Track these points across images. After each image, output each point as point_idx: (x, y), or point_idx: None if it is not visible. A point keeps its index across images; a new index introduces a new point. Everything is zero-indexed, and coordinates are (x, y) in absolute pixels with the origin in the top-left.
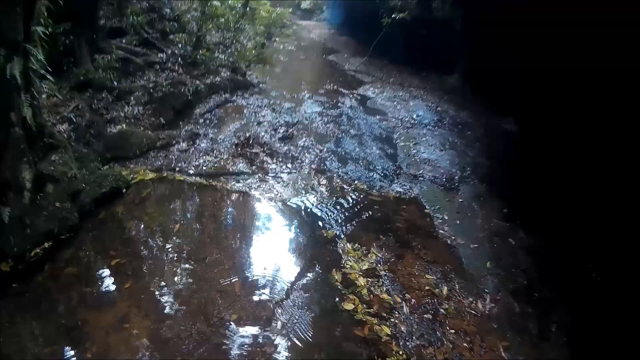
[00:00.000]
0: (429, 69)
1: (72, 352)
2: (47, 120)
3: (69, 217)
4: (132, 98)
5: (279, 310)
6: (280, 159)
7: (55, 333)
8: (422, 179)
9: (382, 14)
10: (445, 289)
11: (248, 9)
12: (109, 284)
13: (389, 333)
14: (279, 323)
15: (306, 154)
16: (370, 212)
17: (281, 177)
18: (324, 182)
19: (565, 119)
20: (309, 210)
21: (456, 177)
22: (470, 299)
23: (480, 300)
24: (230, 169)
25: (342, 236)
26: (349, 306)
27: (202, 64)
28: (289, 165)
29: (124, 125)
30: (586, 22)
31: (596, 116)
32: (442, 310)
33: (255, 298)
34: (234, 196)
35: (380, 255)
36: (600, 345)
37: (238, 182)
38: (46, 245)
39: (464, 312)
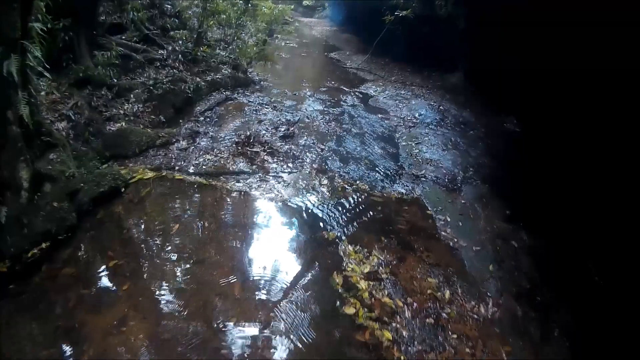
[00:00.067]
0: (431, 68)
1: (69, 355)
2: (45, 118)
3: (66, 217)
4: (131, 95)
5: (279, 314)
6: (281, 158)
7: (53, 335)
8: (424, 179)
9: (385, 11)
10: (447, 293)
11: (249, 5)
12: (107, 285)
13: (391, 338)
14: (279, 327)
15: (307, 153)
16: (371, 213)
17: (282, 177)
18: (325, 182)
19: (566, 119)
20: (310, 210)
21: (458, 178)
22: (473, 303)
23: (483, 304)
24: (231, 168)
25: (344, 238)
26: (350, 310)
27: (202, 60)
28: (290, 165)
29: (124, 123)
30: (586, 22)
31: (597, 116)
32: (444, 314)
33: (255, 301)
34: (234, 196)
35: (381, 258)
36: (602, 348)
37: (238, 181)
38: (44, 245)
39: (466, 316)
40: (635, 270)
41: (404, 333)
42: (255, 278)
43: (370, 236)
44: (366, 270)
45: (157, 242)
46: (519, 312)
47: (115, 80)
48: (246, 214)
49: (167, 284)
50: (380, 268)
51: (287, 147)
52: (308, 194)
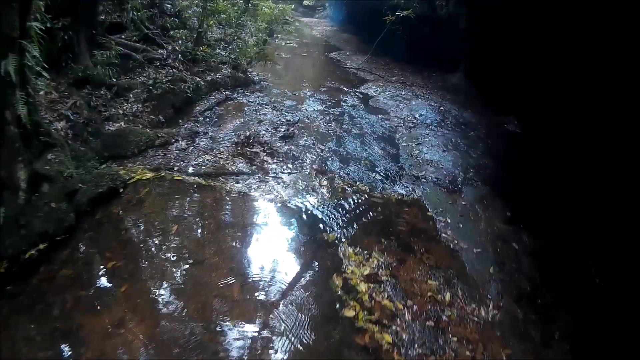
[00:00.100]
0: (431, 68)
1: (68, 357)
2: (43, 118)
3: (65, 217)
4: (131, 95)
5: (278, 316)
6: (280, 159)
7: (50, 337)
8: (424, 180)
9: (385, 11)
10: (447, 295)
11: (250, 5)
12: (105, 286)
13: (390, 341)
14: (278, 330)
15: (307, 154)
16: (372, 215)
17: (281, 178)
18: (325, 183)
19: (567, 119)
20: (309, 212)
21: (459, 179)
22: (473, 306)
23: (483, 307)
24: (230, 169)
25: (343, 239)
26: (349, 313)
27: (202, 60)
28: (290, 165)
29: (123, 123)
30: (586, 22)
31: (597, 116)
32: (444, 317)
33: (254, 302)
34: (233, 197)
35: (382, 260)
36: (603, 350)
37: (238, 182)
38: (42, 246)
39: (467, 319)
40: (636, 271)
41: (404, 336)
42: (254, 279)
43: (370, 238)
44: (366, 272)
45: (156, 243)
46: (520, 314)
47: (115, 80)
48: (245, 215)
49: (165, 285)
50: (380, 270)
51: (286, 147)
52: (308, 195)
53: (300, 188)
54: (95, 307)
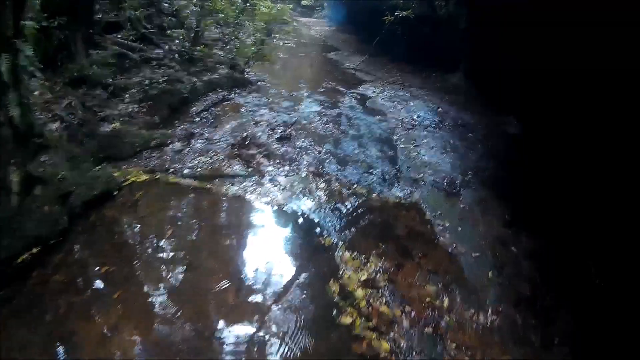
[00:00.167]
0: (430, 68)
1: None
2: (38, 119)
3: (58, 220)
4: (127, 95)
5: (274, 322)
6: (277, 161)
7: (43, 344)
8: (422, 183)
9: (384, 11)
10: (446, 301)
11: (248, 4)
12: (98, 292)
13: (388, 349)
14: (274, 337)
15: (304, 156)
16: (369, 218)
17: (278, 180)
18: (322, 185)
19: (567, 120)
20: (306, 215)
21: (457, 182)
22: (472, 311)
23: (482, 312)
24: (226, 171)
25: (340, 244)
26: (346, 320)
27: (199, 60)
28: (287, 168)
29: (118, 124)
30: (586, 22)
31: (597, 116)
32: (443, 323)
33: (249, 308)
34: (229, 200)
35: (379, 265)
36: (604, 354)
37: (233, 184)
38: (34, 250)
39: (466, 324)
40: (636, 272)
41: (402, 343)
42: (249, 284)
43: (368, 242)
44: (363, 278)
45: (151, 247)
46: (519, 319)
47: (111, 80)
48: (241, 218)
49: (160, 290)
50: (378, 275)
51: (283, 149)
52: (304, 198)
53: (297, 191)
54: (90, 313)
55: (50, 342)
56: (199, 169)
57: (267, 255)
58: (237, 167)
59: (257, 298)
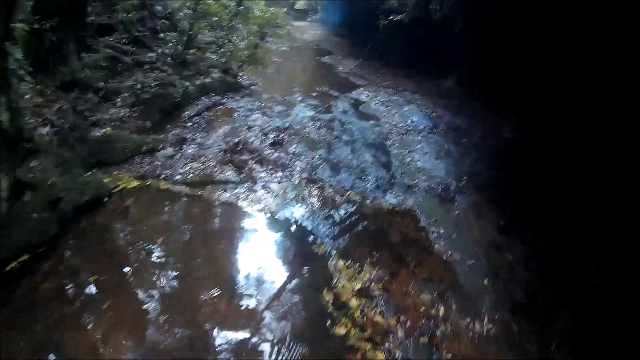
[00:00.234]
0: (424, 73)
1: None
2: (28, 123)
3: (48, 227)
4: (118, 99)
5: (267, 334)
6: (270, 167)
7: (35, 353)
8: (416, 189)
9: (378, 15)
10: (441, 310)
11: (242, 7)
12: (89, 301)
13: None
14: (267, 349)
15: (297, 162)
16: (363, 225)
17: (270, 187)
18: (315, 192)
19: (567, 120)
20: (299, 223)
21: (452, 187)
22: (468, 320)
23: (478, 321)
24: (218, 177)
25: (334, 252)
26: (341, 330)
27: (192, 64)
28: (279, 174)
29: (109, 129)
30: (586, 22)
31: (597, 118)
32: (438, 332)
33: (242, 318)
34: (220, 207)
35: (373, 273)
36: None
37: (225, 191)
38: (24, 257)
39: (461, 333)
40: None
41: (397, 354)
42: (242, 294)
43: (362, 250)
44: (357, 287)
45: (142, 254)
46: (515, 327)
47: (103, 83)
48: (233, 226)
49: (151, 300)
50: (372, 284)
51: (276, 155)
52: (297, 205)
53: (290, 198)
54: (80, 322)
55: (40, 354)
56: (190, 175)
57: (260, 263)
58: (229, 173)
59: (249, 307)
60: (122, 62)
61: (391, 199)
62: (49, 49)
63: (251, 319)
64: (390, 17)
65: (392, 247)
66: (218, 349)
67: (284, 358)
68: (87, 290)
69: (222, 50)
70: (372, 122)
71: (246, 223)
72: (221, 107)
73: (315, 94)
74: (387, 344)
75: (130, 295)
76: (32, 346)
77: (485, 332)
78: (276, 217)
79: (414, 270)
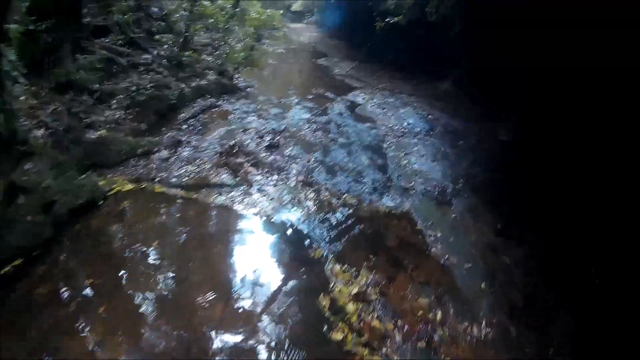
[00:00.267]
0: (421, 75)
1: None
2: (22, 125)
3: (42, 231)
4: (114, 101)
5: (263, 340)
6: (265, 170)
7: (31, 357)
8: (413, 192)
9: (375, 17)
10: (439, 314)
11: (238, 9)
12: (83, 306)
13: None
14: (264, 353)
15: (293, 165)
16: (359, 229)
17: (266, 190)
18: (312, 195)
19: (565, 122)
20: (295, 227)
21: (448, 190)
22: (465, 324)
23: (476, 324)
24: (213, 181)
25: (330, 256)
26: (338, 335)
27: (188, 66)
28: (275, 177)
29: (104, 131)
30: (586, 22)
31: (596, 118)
32: (436, 336)
33: (238, 322)
34: (216, 211)
35: (370, 277)
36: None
37: (221, 194)
38: (18, 261)
39: (459, 337)
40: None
41: (395, 359)
42: (238, 298)
43: (359, 253)
44: (354, 291)
45: (137, 258)
46: (513, 331)
47: (98, 85)
48: (229, 230)
49: (147, 303)
50: (369, 288)
51: (272, 157)
52: (293, 209)
53: (286, 201)
54: (75, 327)
55: (37, 356)
56: (185, 178)
57: (256, 267)
58: (225, 176)
59: (246, 311)
60: (117, 64)
61: (388, 202)
62: (44, 51)
63: (247, 323)
64: (387, 19)
65: (389, 250)
66: (214, 353)
67: None
68: (82, 294)
69: (218, 52)
70: (368, 124)
71: (242, 227)
72: (217, 109)
73: (311, 97)
74: (384, 349)
75: (126, 299)
76: (27, 351)
77: (483, 335)
78: (272, 220)
79: (411, 274)
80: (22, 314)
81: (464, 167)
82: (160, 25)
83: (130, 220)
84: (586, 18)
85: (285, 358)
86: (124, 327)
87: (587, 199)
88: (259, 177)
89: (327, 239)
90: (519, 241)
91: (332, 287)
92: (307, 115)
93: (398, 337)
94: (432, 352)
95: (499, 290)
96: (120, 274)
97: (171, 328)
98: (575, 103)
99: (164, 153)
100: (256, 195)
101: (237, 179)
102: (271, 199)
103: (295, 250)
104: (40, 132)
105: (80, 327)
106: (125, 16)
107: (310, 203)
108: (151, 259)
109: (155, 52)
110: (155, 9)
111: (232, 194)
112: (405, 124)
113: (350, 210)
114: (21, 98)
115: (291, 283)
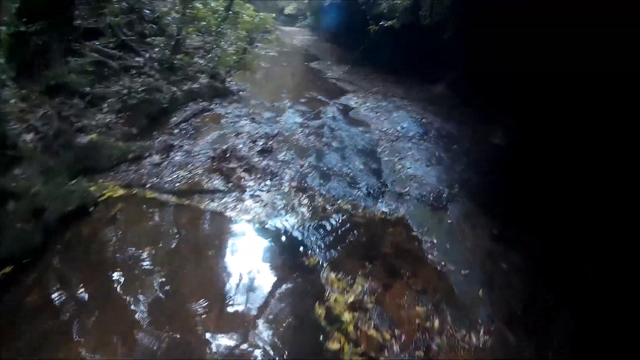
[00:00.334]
0: (413, 78)
1: None
2: (11, 129)
3: (32, 238)
4: (105, 105)
5: (257, 351)
6: (258, 175)
7: None
8: (408, 197)
9: (368, 20)
10: (436, 322)
11: (231, 12)
12: (74, 316)
13: None
14: None
15: (286, 170)
16: (355, 236)
17: (259, 196)
18: (305, 201)
19: (561, 124)
20: (289, 234)
21: (444, 195)
22: (463, 332)
23: (474, 333)
24: (205, 186)
25: (325, 263)
26: (334, 346)
27: (180, 69)
28: (268, 182)
29: (95, 135)
30: (581, 24)
31: (593, 120)
32: (434, 345)
33: (233, 332)
34: (208, 217)
35: (366, 285)
36: None
37: (213, 200)
38: (7, 269)
39: (457, 346)
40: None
41: None
42: (231, 308)
43: (354, 261)
44: (350, 300)
45: (129, 266)
46: (512, 339)
47: (89, 89)
48: (221, 237)
49: (139, 314)
50: (365, 297)
51: (265, 162)
52: (287, 215)
53: (279, 207)
54: (65, 338)
55: None
56: (177, 184)
57: (249, 275)
58: (217, 182)
59: (240, 320)
60: (108, 67)
61: (383, 208)
62: (34, 53)
63: (242, 332)
64: (381, 23)
65: (385, 257)
66: None
67: None
68: (74, 302)
69: (210, 55)
70: (361, 128)
71: (235, 234)
72: (209, 113)
73: (304, 100)
74: (382, 359)
75: (118, 308)
76: None
77: (481, 344)
78: (265, 227)
79: (407, 281)
80: (13, 323)
81: (459, 171)
82: (152, 28)
83: (122, 227)
84: (582, 19)
85: None
86: (117, 335)
87: (583, 199)
88: (251, 183)
89: (321, 246)
90: (516, 245)
91: (328, 295)
92: (300, 119)
93: (395, 347)
94: None
95: (497, 296)
96: (112, 282)
97: (165, 336)
98: (571, 105)
99: (156, 158)
100: (249, 202)
101: (230, 184)
102: (264, 205)
103: (289, 258)
104: (29, 136)
105: (72, 336)
106: (117, 18)
107: (304, 209)
108: (143, 267)
109: (147, 54)
110: (148, 11)
111: (225, 199)
112: (399, 127)
113: (345, 217)
114: (11, 101)
115: (286, 291)
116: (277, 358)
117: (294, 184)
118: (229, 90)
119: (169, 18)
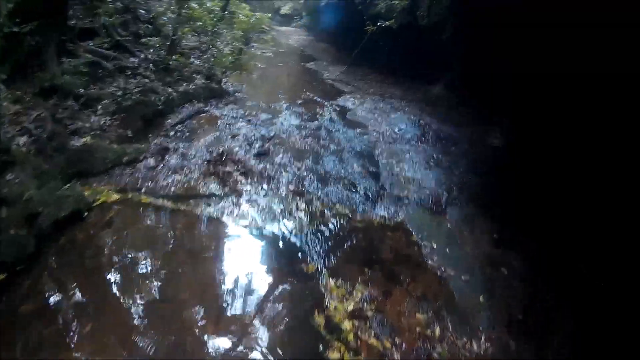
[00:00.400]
0: (411, 79)
1: None
2: (4, 132)
3: (26, 244)
4: (99, 106)
5: (258, 356)
6: (255, 179)
7: None
8: (407, 201)
9: (365, 21)
10: (437, 329)
11: (226, 12)
12: (70, 323)
13: None
14: None
15: (283, 173)
16: (353, 241)
17: (256, 200)
18: (303, 206)
19: (558, 125)
20: (287, 239)
21: (443, 199)
22: (464, 339)
23: (475, 340)
24: (201, 190)
25: (324, 270)
26: (334, 355)
27: (175, 70)
28: (265, 186)
29: (89, 138)
30: (578, 24)
31: (589, 121)
32: (435, 354)
33: (229, 343)
34: (204, 223)
35: (366, 293)
36: None
37: (209, 205)
38: (1, 277)
39: (459, 354)
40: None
41: None
42: (229, 316)
43: (353, 267)
44: (350, 308)
45: (123, 273)
46: (513, 346)
47: (83, 90)
48: (218, 243)
49: (134, 322)
50: (365, 304)
51: (261, 166)
52: (285, 220)
53: (277, 212)
54: (61, 347)
55: None
56: (173, 188)
57: (247, 282)
58: (214, 186)
59: (237, 328)
60: (103, 68)
61: (381, 212)
62: (28, 54)
63: (238, 344)
64: (379, 23)
65: (384, 263)
66: None
67: None
68: (67, 313)
69: (206, 55)
70: (359, 130)
71: (231, 240)
72: (205, 114)
73: (300, 101)
74: None
75: (113, 316)
76: None
77: (482, 351)
78: (263, 233)
79: (407, 288)
80: (8, 331)
81: (458, 174)
82: (147, 28)
83: (116, 232)
84: (580, 19)
85: None
86: (112, 344)
87: (580, 199)
88: (248, 187)
89: (320, 252)
90: (516, 248)
91: (327, 303)
92: (297, 121)
93: (396, 356)
94: None
95: (498, 301)
96: (106, 290)
97: (161, 344)
98: (568, 106)
99: (151, 161)
100: (246, 206)
101: (226, 188)
102: (262, 210)
103: (287, 264)
104: (23, 140)
105: (68, 344)
106: (112, 18)
107: (301, 214)
108: (138, 274)
109: (142, 55)
110: (143, 11)
111: (222, 204)
112: (397, 129)
113: (343, 221)
114: (4, 104)
115: (284, 299)
116: None
117: (291, 187)
118: (225, 91)
119: (165, 18)
